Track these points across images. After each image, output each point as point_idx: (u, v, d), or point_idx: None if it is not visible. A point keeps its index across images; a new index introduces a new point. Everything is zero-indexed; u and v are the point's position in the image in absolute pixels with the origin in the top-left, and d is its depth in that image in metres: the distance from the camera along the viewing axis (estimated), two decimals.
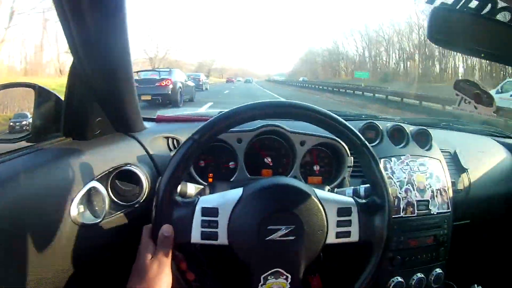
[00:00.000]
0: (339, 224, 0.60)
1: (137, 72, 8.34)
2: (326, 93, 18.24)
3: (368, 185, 0.70)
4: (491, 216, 1.16)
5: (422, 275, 0.95)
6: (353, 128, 0.61)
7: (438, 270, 0.98)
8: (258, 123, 0.90)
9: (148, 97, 7.49)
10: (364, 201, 0.64)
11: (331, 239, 0.60)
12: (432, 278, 0.97)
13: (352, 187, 0.80)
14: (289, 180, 0.63)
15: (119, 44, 0.67)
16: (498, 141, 1.29)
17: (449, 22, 0.62)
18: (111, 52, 0.68)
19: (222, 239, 0.57)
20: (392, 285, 0.92)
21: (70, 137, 0.75)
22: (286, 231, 0.57)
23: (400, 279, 0.93)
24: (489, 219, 1.16)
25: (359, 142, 0.61)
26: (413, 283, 0.94)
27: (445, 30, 0.68)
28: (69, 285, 0.62)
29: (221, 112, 0.59)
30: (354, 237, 0.61)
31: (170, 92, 8.03)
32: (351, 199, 0.64)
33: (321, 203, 0.60)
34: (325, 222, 0.59)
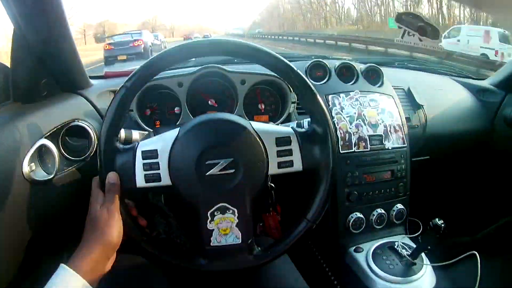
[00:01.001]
0: (280, 154, 0.60)
1: (111, 36, 10.28)
2: (287, 43, 17.83)
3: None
4: (450, 152, 1.17)
5: (383, 211, 0.96)
6: (284, 59, 0.60)
7: (400, 206, 0.98)
8: (198, 65, 0.90)
9: (124, 57, 8.38)
10: (303, 130, 0.64)
11: (273, 169, 0.60)
12: (394, 214, 0.98)
13: (296, 122, 0.80)
14: (223, 115, 0.62)
15: (53, 5, 0.68)
16: (457, 81, 1.29)
17: None
18: (47, 14, 0.69)
19: (165, 180, 0.57)
20: (351, 220, 0.93)
21: (19, 102, 0.75)
22: (225, 165, 0.57)
23: (359, 214, 0.94)
24: (448, 154, 1.17)
25: (291, 72, 0.60)
26: (373, 218, 0.95)
27: None
28: (26, 243, 0.63)
29: None
30: (297, 166, 0.61)
31: (142, 51, 8.98)
32: (289, 129, 0.63)
33: (258, 134, 0.59)
34: (264, 153, 0.59)
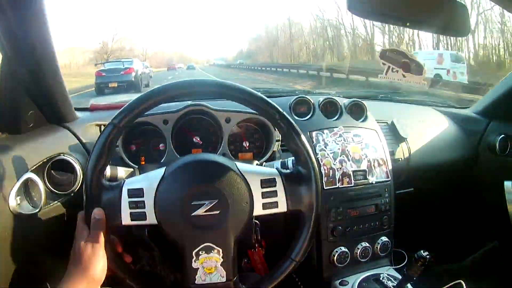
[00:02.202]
0: (265, 195, 0.61)
1: (102, 63, 10.60)
2: (269, 74, 18.26)
3: None
4: (434, 183, 1.19)
5: (368, 244, 0.97)
6: (268, 100, 0.62)
7: (384, 238, 0.99)
8: (184, 103, 0.91)
9: (115, 84, 8.89)
10: (288, 171, 0.66)
11: (258, 210, 0.61)
12: (378, 247, 0.98)
13: (280, 160, 0.82)
14: (208, 156, 0.64)
15: (41, 38, 0.71)
16: (440, 111, 1.32)
17: None
18: (35, 47, 0.71)
19: (151, 218, 0.58)
20: (336, 255, 0.93)
21: (5, 133, 0.76)
22: (210, 206, 0.58)
23: (344, 248, 0.94)
24: (432, 185, 1.19)
25: (277, 114, 0.61)
26: (358, 252, 0.96)
27: (365, 1, 0.70)
28: (11, 276, 0.63)
29: None
30: (282, 207, 0.62)
31: (133, 79, 9.46)
32: (274, 170, 0.65)
33: (243, 176, 0.61)
34: (249, 194, 0.60)
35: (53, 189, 0.74)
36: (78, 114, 0.94)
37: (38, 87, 0.77)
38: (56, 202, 0.73)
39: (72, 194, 0.76)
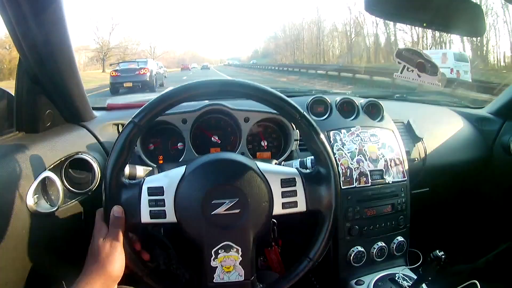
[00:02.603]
0: (284, 195, 0.62)
1: (117, 63, 10.71)
2: (287, 75, 17.85)
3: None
4: (449, 183, 1.18)
5: (384, 244, 0.97)
6: (289, 100, 0.62)
7: (400, 238, 0.99)
8: (202, 103, 0.92)
9: (130, 84, 8.91)
10: (308, 171, 0.66)
11: (278, 210, 0.61)
12: (394, 246, 0.98)
13: (299, 160, 0.82)
14: (229, 155, 0.64)
15: (58, 37, 0.71)
16: (455, 111, 1.31)
17: None
18: (52, 46, 0.71)
19: (170, 217, 0.58)
20: (352, 254, 0.93)
21: (22, 131, 0.77)
22: (230, 204, 0.58)
23: (360, 248, 0.94)
24: (448, 185, 1.18)
25: (297, 114, 0.61)
26: (374, 251, 0.96)
27: (382, 1, 0.70)
28: (28, 274, 0.63)
29: None
30: (301, 207, 0.62)
31: (148, 79, 9.52)
32: (294, 170, 0.65)
33: (263, 175, 0.61)
34: (269, 194, 0.61)
35: (70, 188, 0.74)
36: (96, 113, 0.95)
37: (56, 86, 0.77)
38: (73, 201, 0.73)
39: (89, 193, 0.76)
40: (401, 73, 0.96)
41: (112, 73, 9.83)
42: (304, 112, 0.62)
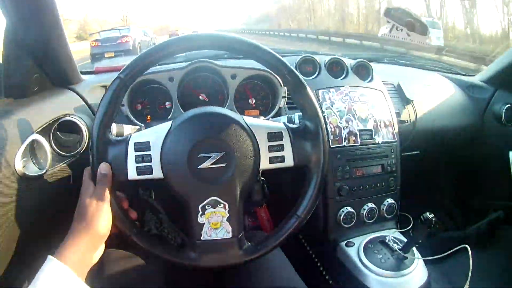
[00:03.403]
0: (271, 149, 0.60)
1: (98, 32, 9.21)
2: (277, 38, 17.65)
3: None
4: (439, 148, 1.18)
5: (373, 205, 0.96)
6: (277, 55, 0.60)
7: (390, 200, 0.99)
8: (189, 60, 0.90)
9: (112, 54, 7.84)
10: (295, 125, 0.64)
11: (265, 164, 0.60)
12: (384, 208, 0.98)
13: (287, 116, 0.80)
14: (215, 108, 0.62)
15: (47, 1, 0.69)
16: (446, 77, 1.31)
17: None
18: (39, 10, 0.69)
19: (157, 172, 0.57)
20: (342, 215, 0.93)
21: (11, 97, 0.75)
22: (217, 158, 0.57)
23: (350, 209, 0.94)
24: (438, 149, 1.18)
25: (284, 68, 0.60)
26: (364, 213, 0.95)
27: None
28: (18, 237, 0.62)
29: None
30: (289, 162, 0.61)
31: (131, 48, 8.69)
32: (281, 124, 0.63)
33: (250, 129, 0.60)
34: (256, 147, 0.59)
35: (59, 151, 0.73)
36: (83, 77, 0.94)
37: (43, 50, 0.76)
38: (62, 163, 0.72)
39: (78, 155, 0.75)
40: (390, 32, 0.95)
41: (92, 43, 8.96)
42: (292, 67, 0.61)
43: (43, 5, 0.70)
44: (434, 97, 1.19)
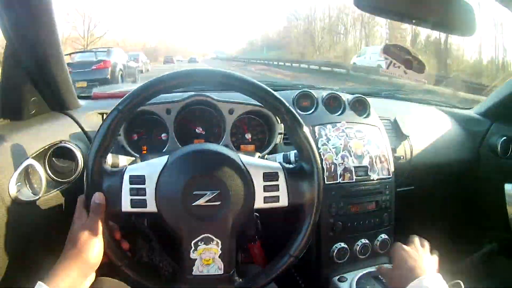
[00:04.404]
0: (266, 189, 0.61)
1: (70, 54, 7.11)
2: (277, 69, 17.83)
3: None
4: (435, 183, 1.19)
5: (367, 241, 0.96)
6: (274, 93, 0.61)
7: (384, 236, 0.99)
8: (187, 93, 0.91)
9: (84, 84, 6.01)
10: (291, 166, 0.65)
11: (260, 203, 0.61)
12: (378, 244, 0.98)
13: (283, 153, 0.81)
14: (212, 146, 0.63)
15: (46, 26, 0.71)
16: (443, 111, 1.32)
17: None
18: (39, 34, 0.71)
19: (151, 206, 0.58)
20: (335, 251, 0.93)
21: (7, 119, 0.76)
22: (211, 196, 0.57)
23: (343, 244, 0.94)
24: (433, 184, 1.19)
25: (282, 107, 0.61)
26: (357, 248, 0.95)
27: None
28: (10, 262, 0.63)
29: None
30: (283, 202, 0.62)
31: (109, 76, 7.03)
32: (277, 164, 0.64)
33: (246, 168, 0.60)
34: (251, 187, 0.60)
35: (53, 177, 0.74)
36: (81, 102, 0.94)
37: (42, 74, 0.77)
38: (56, 189, 0.73)
39: (72, 182, 0.75)
40: (387, 68, 0.96)
41: None
42: (289, 106, 0.62)
43: (44, 30, 0.71)
44: (430, 132, 1.20)
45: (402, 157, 1.08)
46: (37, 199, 0.67)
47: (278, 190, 0.61)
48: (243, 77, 0.61)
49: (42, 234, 0.71)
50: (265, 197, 0.61)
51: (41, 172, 0.70)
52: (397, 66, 0.95)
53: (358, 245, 0.95)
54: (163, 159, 0.60)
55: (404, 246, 0.77)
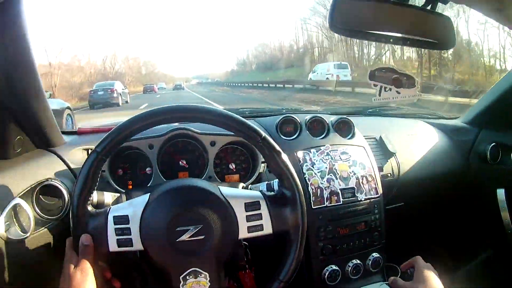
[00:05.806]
0: (249, 218, 0.62)
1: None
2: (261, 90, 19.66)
3: None
4: (424, 196, 1.19)
5: (359, 261, 0.96)
6: (249, 123, 0.63)
7: (376, 255, 0.99)
8: (169, 127, 0.92)
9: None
10: (272, 193, 0.66)
11: (244, 234, 0.62)
12: (370, 263, 0.98)
13: (266, 182, 0.82)
14: (191, 181, 0.65)
15: (25, 65, 0.73)
16: (429, 123, 1.33)
17: (352, 10, 0.62)
18: (20, 73, 0.73)
19: (137, 245, 0.59)
20: (326, 274, 0.93)
21: None
22: (195, 231, 0.59)
23: (334, 267, 0.94)
24: (423, 198, 1.19)
25: (258, 136, 0.62)
26: (349, 269, 0.95)
27: (346, 19, 0.70)
28: None
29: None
30: (267, 229, 0.63)
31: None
32: (258, 193, 0.66)
33: (226, 200, 0.62)
34: (234, 218, 0.61)
35: (42, 214, 0.75)
36: (66, 138, 0.95)
37: (24, 113, 0.78)
38: (44, 227, 0.73)
39: (60, 219, 0.76)
40: (379, 95, 0.95)
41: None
42: (265, 134, 0.63)
43: (23, 69, 0.73)
44: (417, 146, 1.21)
45: (389, 175, 1.09)
46: (26, 237, 0.68)
47: (261, 219, 0.63)
48: (218, 110, 0.62)
49: (33, 273, 0.71)
50: (248, 227, 0.62)
51: (29, 210, 0.71)
52: (388, 90, 0.94)
53: (349, 266, 0.95)
54: (145, 198, 0.62)
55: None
